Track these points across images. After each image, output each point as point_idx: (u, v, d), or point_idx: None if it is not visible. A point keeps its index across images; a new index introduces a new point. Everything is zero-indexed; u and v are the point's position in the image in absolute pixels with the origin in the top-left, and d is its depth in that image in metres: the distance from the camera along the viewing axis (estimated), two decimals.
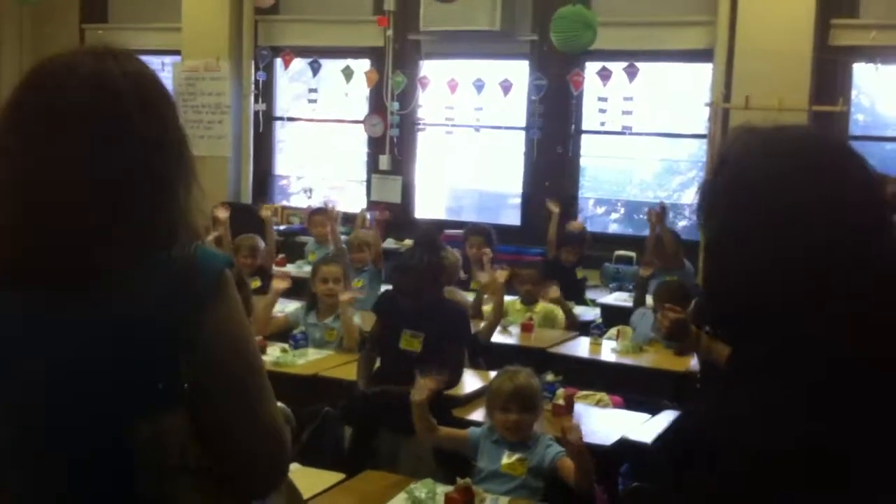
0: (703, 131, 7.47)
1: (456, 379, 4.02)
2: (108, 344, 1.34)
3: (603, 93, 7.69)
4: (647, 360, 5.07)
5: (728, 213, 1.21)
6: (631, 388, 4.73)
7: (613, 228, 8.37)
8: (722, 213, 1.22)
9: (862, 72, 7.24)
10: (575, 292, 6.59)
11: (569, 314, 5.80)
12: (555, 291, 5.83)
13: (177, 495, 1.35)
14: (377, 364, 4.14)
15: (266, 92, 8.95)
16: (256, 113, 8.86)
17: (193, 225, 1.43)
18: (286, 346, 4.77)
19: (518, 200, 8.32)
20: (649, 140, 8.03)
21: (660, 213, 6.57)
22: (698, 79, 7.61)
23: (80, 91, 1.35)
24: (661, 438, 1.26)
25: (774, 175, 1.19)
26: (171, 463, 1.34)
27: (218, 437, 1.37)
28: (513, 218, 8.32)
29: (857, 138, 7.07)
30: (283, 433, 1.43)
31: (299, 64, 8.79)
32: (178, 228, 1.39)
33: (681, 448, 1.20)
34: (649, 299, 5.89)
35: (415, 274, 3.95)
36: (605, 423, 4.08)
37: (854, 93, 7.29)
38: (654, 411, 4.18)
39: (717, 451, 1.13)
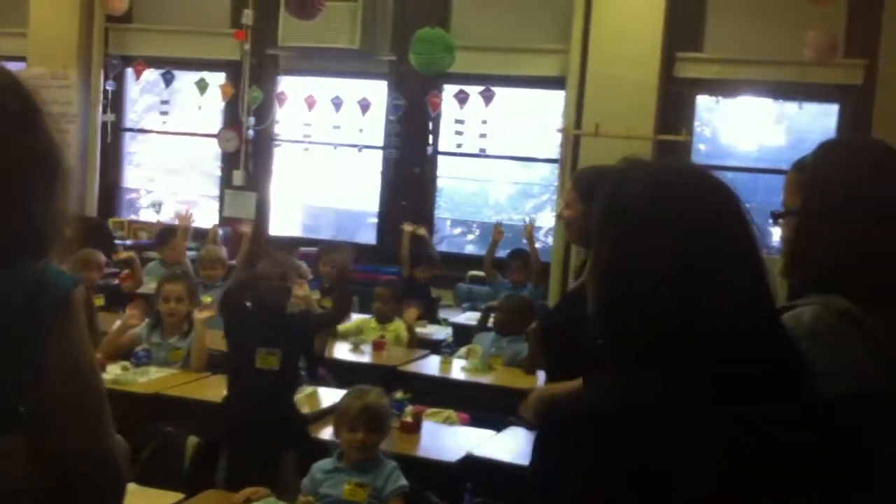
0: (556, 156, 7.67)
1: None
2: None
3: (460, 115, 7.80)
4: (495, 378, 5.14)
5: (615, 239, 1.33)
6: (480, 406, 4.79)
7: (470, 249, 8.47)
8: (611, 240, 1.33)
9: (705, 103, 7.61)
10: (428, 311, 6.64)
11: (412, 333, 5.79)
12: (414, 312, 5.84)
13: None
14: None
15: (115, 102, 8.67)
16: (105, 124, 8.56)
17: (60, 237, 1.40)
18: (127, 363, 4.60)
19: (376, 219, 8.33)
20: (504, 163, 8.19)
21: (530, 228, 6.77)
22: (552, 105, 7.82)
23: None
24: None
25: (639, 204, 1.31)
26: (12, 486, 1.30)
27: (55, 462, 1.33)
28: (370, 237, 8.33)
29: None
30: (119, 461, 1.42)
31: (152, 75, 8.56)
32: (45, 236, 1.36)
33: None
34: None
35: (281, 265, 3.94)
36: (452, 440, 4.12)
37: (697, 124, 7.65)
38: (500, 427, 4.24)
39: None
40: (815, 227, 1.59)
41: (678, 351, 1.25)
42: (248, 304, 4.11)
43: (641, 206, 1.31)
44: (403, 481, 3.33)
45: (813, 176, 1.63)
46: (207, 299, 4.88)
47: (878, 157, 1.63)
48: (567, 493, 1.25)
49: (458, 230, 8.66)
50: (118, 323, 4.91)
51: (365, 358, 5.38)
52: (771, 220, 1.67)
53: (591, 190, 2.93)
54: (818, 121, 7.45)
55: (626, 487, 1.22)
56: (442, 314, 7.01)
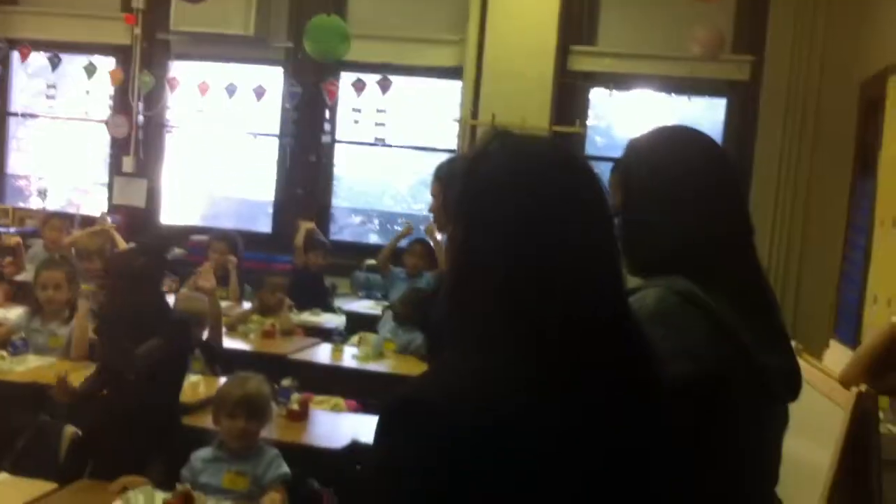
0: (454, 147, 7.69)
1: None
2: None
3: (357, 104, 7.76)
4: (387, 365, 5.14)
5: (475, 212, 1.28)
6: (372, 394, 4.77)
7: (373, 239, 8.45)
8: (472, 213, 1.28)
9: (599, 96, 7.73)
10: (322, 299, 6.59)
11: (284, 322, 5.71)
12: (287, 307, 5.78)
13: None
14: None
15: (0, 87, 8.35)
16: None
17: None
18: (4, 352, 4.45)
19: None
20: (405, 153, 8.18)
21: (432, 228, 6.79)
22: (449, 95, 7.84)
23: None
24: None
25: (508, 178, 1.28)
26: None
27: None
28: (269, 226, 8.22)
29: (594, 158, 7.53)
30: None
31: (41, 59, 8.28)
32: None
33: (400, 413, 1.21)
34: None
35: (132, 274, 3.80)
36: (338, 427, 4.10)
37: (593, 116, 7.77)
38: None
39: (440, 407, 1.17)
40: (633, 223, 1.65)
41: (526, 334, 1.20)
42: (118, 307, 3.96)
43: (500, 183, 1.27)
44: (285, 468, 3.29)
45: (622, 174, 1.68)
46: (87, 289, 4.75)
47: (674, 146, 1.70)
48: (395, 485, 1.18)
49: (357, 219, 8.62)
50: None
51: (253, 347, 5.32)
52: None
53: (450, 177, 2.94)
54: (708, 114, 7.65)
55: (470, 480, 1.15)
56: (339, 302, 6.97)
